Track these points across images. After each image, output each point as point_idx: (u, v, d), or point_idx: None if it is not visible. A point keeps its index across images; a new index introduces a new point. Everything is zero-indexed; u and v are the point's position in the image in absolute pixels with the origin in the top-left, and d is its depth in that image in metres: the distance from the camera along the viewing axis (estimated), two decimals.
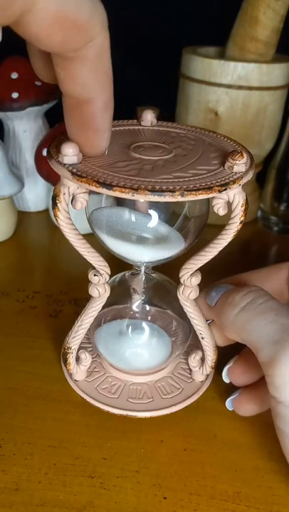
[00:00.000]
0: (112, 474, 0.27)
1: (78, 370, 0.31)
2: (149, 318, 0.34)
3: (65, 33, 0.17)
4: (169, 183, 0.21)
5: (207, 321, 0.30)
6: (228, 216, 0.25)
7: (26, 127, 0.52)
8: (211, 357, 0.31)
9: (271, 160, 0.54)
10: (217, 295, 0.29)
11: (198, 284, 0.28)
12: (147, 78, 0.59)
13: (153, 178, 0.22)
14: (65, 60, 0.19)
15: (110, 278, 0.29)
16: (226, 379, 0.31)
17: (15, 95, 0.48)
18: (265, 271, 0.32)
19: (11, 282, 0.43)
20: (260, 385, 0.29)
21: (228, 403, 0.30)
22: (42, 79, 0.22)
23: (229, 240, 0.25)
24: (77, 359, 0.31)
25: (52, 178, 0.48)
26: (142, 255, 0.28)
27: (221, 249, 0.26)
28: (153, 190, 0.21)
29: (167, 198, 0.21)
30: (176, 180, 0.22)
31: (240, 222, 0.25)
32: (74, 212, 0.25)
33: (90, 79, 0.20)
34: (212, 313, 0.29)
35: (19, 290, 0.42)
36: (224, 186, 0.22)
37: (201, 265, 0.27)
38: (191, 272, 0.27)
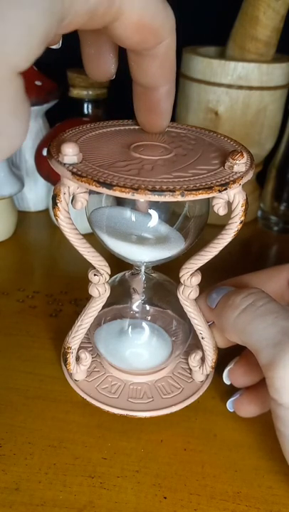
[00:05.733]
0: (112, 474, 0.27)
1: (78, 370, 0.31)
2: (149, 318, 0.34)
3: (142, 36, 0.21)
4: (169, 183, 0.21)
5: (208, 322, 0.30)
6: (228, 216, 0.25)
7: None
8: (211, 357, 0.31)
9: (271, 160, 0.54)
10: (218, 297, 0.29)
11: (198, 284, 0.28)
12: None
13: (153, 178, 0.22)
14: (139, 56, 0.23)
15: (110, 278, 0.29)
16: (226, 380, 0.31)
17: None
18: (266, 273, 0.32)
19: (11, 282, 0.43)
20: (260, 387, 0.29)
21: (229, 404, 0.30)
22: (92, 77, 0.25)
23: (229, 239, 0.25)
24: (77, 359, 0.31)
25: (52, 178, 0.48)
26: (142, 255, 0.28)
27: (221, 249, 0.26)
28: (153, 190, 0.21)
29: (167, 198, 0.21)
30: (176, 180, 0.22)
31: (240, 222, 0.25)
32: (74, 212, 0.25)
33: (157, 72, 0.23)
34: (213, 315, 0.29)
35: (19, 290, 0.42)
36: (224, 186, 0.22)
37: (201, 265, 0.27)
38: (191, 272, 0.27)
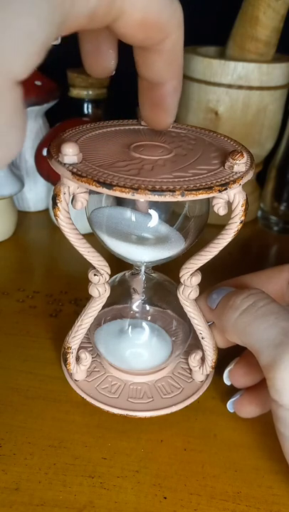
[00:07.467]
0: (112, 474, 0.27)
1: (78, 370, 0.31)
2: (149, 318, 0.34)
3: (146, 34, 0.20)
4: (169, 183, 0.21)
5: (208, 323, 0.30)
6: (228, 216, 0.25)
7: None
8: (211, 357, 0.31)
9: (271, 160, 0.54)
10: (218, 297, 0.29)
11: (198, 284, 0.28)
12: None
13: (153, 178, 0.22)
14: (144, 51, 0.22)
15: (110, 278, 0.29)
16: (227, 381, 0.31)
17: None
18: (267, 273, 0.32)
19: (11, 282, 0.43)
20: (261, 387, 0.29)
21: (229, 405, 0.30)
22: (91, 74, 0.24)
23: (229, 239, 0.25)
24: (77, 359, 0.31)
25: (52, 178, 0.48)
26: (142, 255, 0.28)
27: (221, 249, 0.26)
28: (153, 190, 0.21)
29: (167, 198, 0.21)
30: (176, 180, 0.22)
31: (241, 222, 0.25)
32: (74, 212, 0.25)
33: (163, 68, 0.23)
34: (213, 316, 0.29)
35: (19, 290, 0.42)
36: (224, 186, 0.22)
37: (201, 265, 0.27)
38: (191, 272, 0.27)
